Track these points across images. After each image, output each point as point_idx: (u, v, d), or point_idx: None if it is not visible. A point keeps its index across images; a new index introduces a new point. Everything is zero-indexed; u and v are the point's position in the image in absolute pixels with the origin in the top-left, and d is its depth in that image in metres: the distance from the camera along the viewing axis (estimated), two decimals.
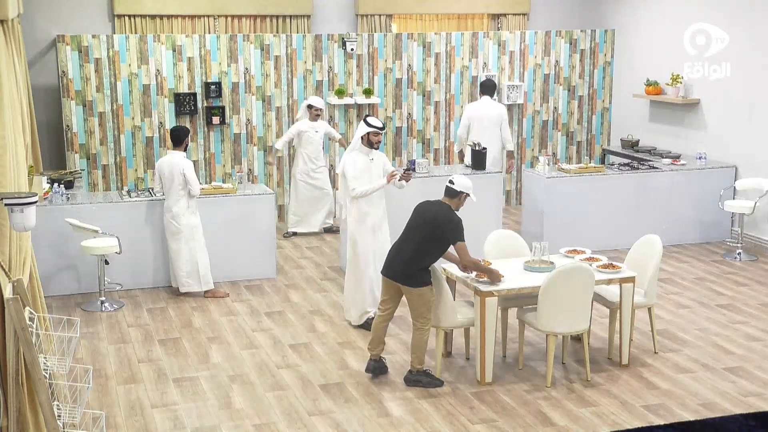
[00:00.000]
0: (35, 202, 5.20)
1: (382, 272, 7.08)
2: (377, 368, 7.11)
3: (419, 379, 6.96)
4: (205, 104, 11.82)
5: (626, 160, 11.74)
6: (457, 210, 6.96)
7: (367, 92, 12.31)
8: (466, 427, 6.30)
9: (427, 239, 6.80)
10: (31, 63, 11.64)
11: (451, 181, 6.94)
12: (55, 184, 9.37)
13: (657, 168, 11.10)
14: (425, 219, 6.86)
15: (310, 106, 11.18)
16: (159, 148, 11.76)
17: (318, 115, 11.18)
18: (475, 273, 7.03)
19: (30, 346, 5.01)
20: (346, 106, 12.38)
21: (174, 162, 8.88)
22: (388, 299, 7.05)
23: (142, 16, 12.11)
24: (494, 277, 6.94)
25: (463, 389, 6.91)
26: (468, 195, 6.96)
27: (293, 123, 11.80)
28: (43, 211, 8.33)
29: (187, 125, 11.78)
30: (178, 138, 8.93)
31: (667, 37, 12.25)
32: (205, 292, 9.15)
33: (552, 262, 7.34)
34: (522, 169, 12.57)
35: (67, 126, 11.44)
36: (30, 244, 6.06)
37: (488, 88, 11.34)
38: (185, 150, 9.00)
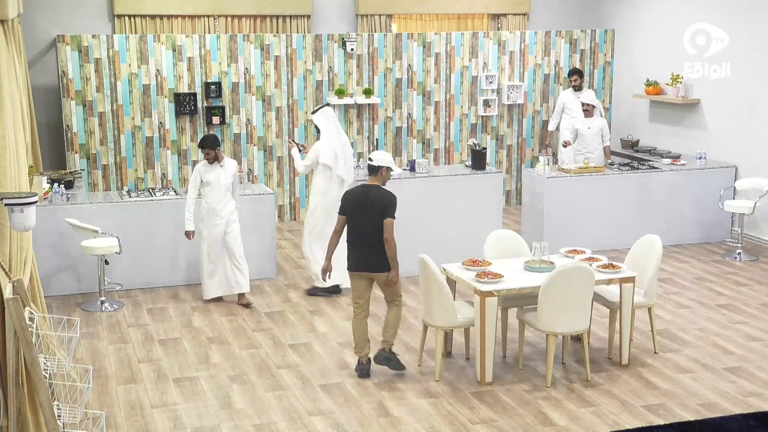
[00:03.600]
0: (35, 202, 5.20)
1: (352, 269, 7.08)
2: (366, 370, 7.13)
3: (391, 357, 7.08)
4: (205, 104, 11.82)
5: (626, 160, 11.74)
6: (384, 185, 7.14)
7: (367, 92, 12.31)
8: (466, 427, 6.30)
9: (380, 221, 6.92)
10: (31, 63, 11.64)
11: (370, 158, 7.14)
12: (55, 184, 9.37)
13: (657, 168, 11.10)
14: (370, 204, 6.96)
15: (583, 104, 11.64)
16: (159, 148, 11.76)
17: (587, 111, 11.49)
18: (475, 274, 7.05)
19: (30, 346, 5.01)
20: (347, 106, 12.38)
21: None
22: (361, 295, 7.09)
23: (142, 16, 12.12)
24: (395, 275, 6.99)
25: (463, 389, 6.91)
26: (390, 168, 7.14)
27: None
28: (43, 211, 8.33)
29: (187, 125, 11.79)
30: (201, 147, 8.72)
31: (667, 37, 12.25)
32: (206, 300, 9.02)
33: (552, 262, 7.34)
34: (522, 169, 12.57)
35: (67, 126, 11.44)
36: (30, 244, 6.06)
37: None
38: (212, 160, 8.66)
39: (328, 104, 9.37)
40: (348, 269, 7.16)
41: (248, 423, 6.38)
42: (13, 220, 5.15)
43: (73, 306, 8.89)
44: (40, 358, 5.17)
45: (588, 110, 11.43)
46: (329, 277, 7.38)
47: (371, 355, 7.17)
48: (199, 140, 8.85)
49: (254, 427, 6.32)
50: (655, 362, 7.42)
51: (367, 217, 6.96)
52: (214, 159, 8.66)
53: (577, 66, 13.24)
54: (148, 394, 6.88)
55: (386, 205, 6.93)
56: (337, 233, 7.15)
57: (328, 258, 7.20)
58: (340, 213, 7.14)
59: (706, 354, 7.61)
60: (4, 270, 5.22)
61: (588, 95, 12.06)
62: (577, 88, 12.25)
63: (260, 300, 9.06)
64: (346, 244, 7.19)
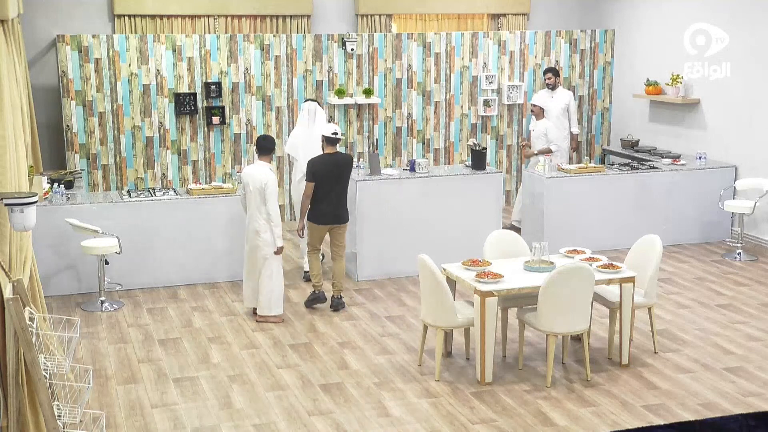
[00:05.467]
0: (35, 202, 5.20)
1: (322, 223, 8.43)
2: (324, 297, 8.70)
3: (341, 301, 8.63)
4: (205, 104, 11.82)
5: (626, 160, 11.74)
6: None
7: (367, 92, 12.31)
8: (466, 427, 6.30)
9: (347, 180, 8.57)
10: (31, 63, 11.64)
11: (335, 132, 8.40)
12: (55, 184, 9.37)
13: (657, 168, 11.10)
14: (341, 167, 8.44)
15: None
16: (159, 148, 11.77)
17: (532, 111, 11.73)
18: (476, 274, 7.06)
19: (30, 346, 5.01)
20: (347, 106, 12.38)
21: (260, 173, 8.15)
22: (320, 241, 8.67)
23: (142, 16, 12.12)
24: None
25: (463, 389, 6.91)
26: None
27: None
28: (43, 211, 8.33)
29: (187, 125, 11.80)
30: (266, 148, 8.22)
31: (667, 37, 12.25)
32: (259, 315, 8.46)
33: (552, 262, 7.34)
34: (522, 169, 12.56)
35: (67, 126, 11.44)
36: (30, 244, 6.06)
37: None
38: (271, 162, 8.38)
39: (311, 99, 10.03)
40: (316, 223, 8.45)
41: (248, 423, 6.38)
42: (13, 220, 5.15)
43: (73, 306, 8.89)
44: (40, 358, 5.17)
45: (534, 111, 11.54)
46: (303, 235, 8.72)
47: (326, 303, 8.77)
48: (262, 142, 8.24)
49: (254, 427, 6.32)
50: (655, 362, 7.42)
51: (340, 178, 8.43)
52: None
53: (576, 66, 13.25)
54: (148, 394, 6.88)
55: (352, 165, 8.71)
56: (308, 197, 8.40)
57: (302, 218, 8.58)
58: (309, 180, 8.35)
59: (706, 354, 7.61)
60: (4, 270, 5.22)
61: (561, 96, 11.94)
62: (551, 87, 12.10)
63: None
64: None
